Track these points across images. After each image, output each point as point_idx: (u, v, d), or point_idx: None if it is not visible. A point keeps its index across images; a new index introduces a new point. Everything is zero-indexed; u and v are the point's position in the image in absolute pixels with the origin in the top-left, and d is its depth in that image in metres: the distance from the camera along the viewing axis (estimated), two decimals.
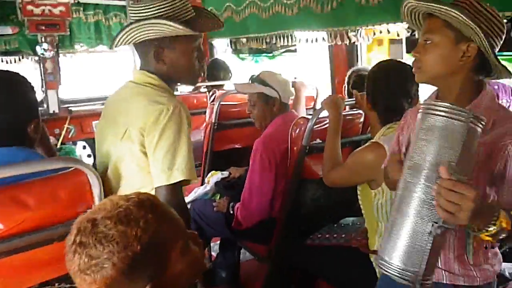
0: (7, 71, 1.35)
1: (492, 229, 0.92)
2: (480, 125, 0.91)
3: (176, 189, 1.26)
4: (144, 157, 1.29)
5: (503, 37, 1.11)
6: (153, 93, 1.33)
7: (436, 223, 0.88)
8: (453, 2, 1.11)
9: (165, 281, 0.81)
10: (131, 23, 1.31)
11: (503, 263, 1.61)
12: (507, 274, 1.62)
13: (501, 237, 0.94)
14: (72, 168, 1.18)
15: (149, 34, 1.30)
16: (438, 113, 0.90)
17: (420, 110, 0.96)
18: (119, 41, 1.34)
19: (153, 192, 1.26)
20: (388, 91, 1.63)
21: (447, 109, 0.89)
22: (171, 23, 1.27)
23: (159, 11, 1.29)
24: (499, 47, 1.12)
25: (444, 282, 1.20)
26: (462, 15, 1.05)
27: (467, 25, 1.06)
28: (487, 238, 0.94)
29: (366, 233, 1.76)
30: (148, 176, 1.29)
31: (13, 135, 1.27)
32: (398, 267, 0.91)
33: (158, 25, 1.28)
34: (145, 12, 1.29)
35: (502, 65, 1.12)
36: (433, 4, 1.08)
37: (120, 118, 1.34)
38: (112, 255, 0.75)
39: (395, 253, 0.91)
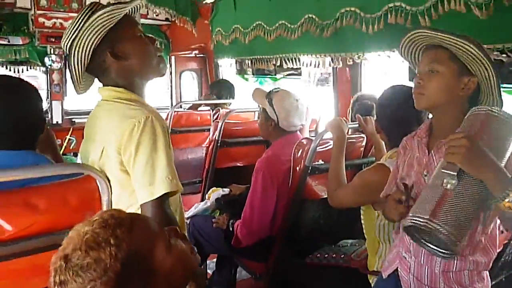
0: (16, 78, 1.39)
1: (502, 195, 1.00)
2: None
3: (162, 203, 1.21)
4: (125, 176, 1.24)
5: None
6: (123, 107, 1.28)
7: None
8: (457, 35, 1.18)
9: (160, 282, 0.81)
10: (71, 45, 1.26)
11: None
12: None
13: None
14: (82, 175, 1.20)
15: (96, 35, 1.24)
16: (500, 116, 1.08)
17: (484, 112, 1.09)
18: (79, 67, 1.27)
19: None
20: (396, 116, 1.66)
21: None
22: (104, 10, 1.21)
23: (85, 16, 1.24)
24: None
25: None
26: (476, 49, 1.13)
27: (476, 59, 1.14)
28: (508, 204, 1.00)
29: (366, 254, 1.77)
30: (133, 194, 1.24)
31: (25, 139, 1.30)
32: (412, 215, 1.05)
33: (97, 21, 1.22)
34: (76, 27, 1.25)
35: (501, 98, 1.21)
36: (449, 36, 1.15)
37: (96, 137, 1.31)
38: (95, 283, 0.75)
39: (416, 207, 1.07)
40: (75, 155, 3.99)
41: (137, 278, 0.78)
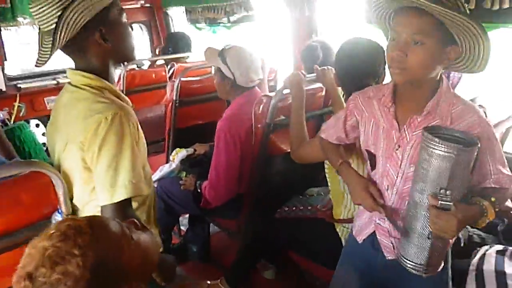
0: None
1: (482, 222, 1.09)
2: (476, 147, 1.03)
3: (122, 207, 1.17)
4: (88, 173, 1.19)
5: None
6: (91, 98, 1.21)
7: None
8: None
9: (132, 278, 0.82)
10: (59, 18, 1.15)
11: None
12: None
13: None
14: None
15: (88, 13, 1.15)
16: (435, 149, 1.02)
17: (422, 143, 1.05)
18: (61, 39, 1.16)
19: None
20: (355, 70, 1.62)
21: (443, 146, 1.00)
22: None
23: None
24: None
25: None
26: (472, 22, 1.00)
27: (470, 31, 1.02)
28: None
29: (331, 204, 1.83)
30: (95, 191, 1.20)
31: None
32: (410, 262, 1.16)
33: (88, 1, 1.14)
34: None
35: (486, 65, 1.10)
36: (445, 10, 0.98)
37: (62, 129, 1.24)
38: None
39: (409, 252, 1.16)
40: (27, 122, 3.78)
41: (108, 281, 0.78)
